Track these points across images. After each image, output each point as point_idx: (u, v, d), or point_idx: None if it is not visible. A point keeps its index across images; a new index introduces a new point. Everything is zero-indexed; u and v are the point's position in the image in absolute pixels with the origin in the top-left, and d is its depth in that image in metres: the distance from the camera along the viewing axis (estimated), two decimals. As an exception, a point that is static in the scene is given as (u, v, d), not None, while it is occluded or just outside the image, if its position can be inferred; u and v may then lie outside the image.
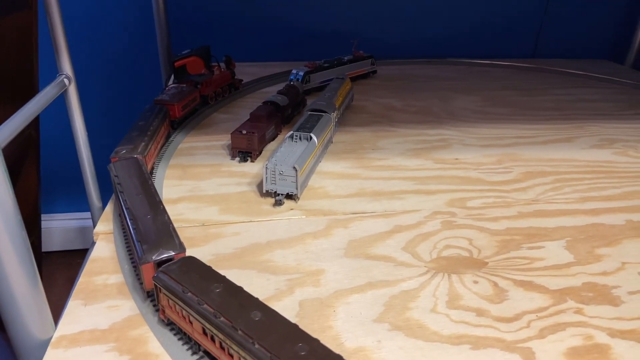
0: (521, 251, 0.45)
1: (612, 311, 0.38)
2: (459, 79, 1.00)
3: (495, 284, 0.40)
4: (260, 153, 0.63)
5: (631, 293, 0.40)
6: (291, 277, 0.41)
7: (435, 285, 0.40)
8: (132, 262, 0.41)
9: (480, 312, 0.37)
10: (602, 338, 0.35)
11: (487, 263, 0.43)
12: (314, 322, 0.36)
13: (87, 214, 1.19)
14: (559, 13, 1.16)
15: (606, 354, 0.34)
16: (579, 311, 0.38)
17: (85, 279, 0.40)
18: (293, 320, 0.36)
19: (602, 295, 0.40)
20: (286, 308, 0.37)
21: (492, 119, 0.78)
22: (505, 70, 1.07)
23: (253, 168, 0.59)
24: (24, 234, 0.32)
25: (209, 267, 0.34)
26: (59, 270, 1.14)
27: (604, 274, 0.42)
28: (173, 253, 0.35)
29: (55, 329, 0.35)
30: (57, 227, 1.17)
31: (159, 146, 0.59)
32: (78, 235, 1.19)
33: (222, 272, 0.40)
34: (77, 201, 1.17)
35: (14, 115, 0.35)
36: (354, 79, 0.94)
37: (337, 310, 0.37)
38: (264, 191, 0.52)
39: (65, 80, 0.45)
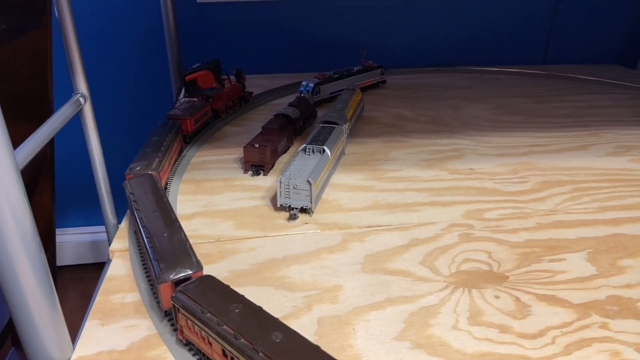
0: (542, 264, 0.44)
1: (638, 325, 0.37)
2: (469, 87, 0.99)
3: (518, 299, 0.40)
4: (272, 166, 0.62)
5: (658, 306, 0.39)
6: (309, 294, 0.40)
7: (456, 301, 0.39)
8: (149, 281, 0.41)
9: (503, 329, 0.37)
10: (629, 354, 0.34)
11: (507, 277, 0.42)
12: (334, 341, 0.35)
13: (99, 228, 1.19)
14: (569, 18, 1.16)
15: (636, 372, 0.33)
16: (604, 326, 0.37)
17: (102, 297, 0.40)
18: (312, 338, 0.36)
19: (628, 308, 0.39)
20: (304, 326, 0.37)
21: (506, 127, 0.77)
22: (516, 77, 1.06)
23: (266, 182, 0.59)
24: (42, 254, 0.32)
25: (227, 286, 0.33)
26: (72, 285, 1.15)
27: (628, 286, 0.41)
28: (190, 272, 0.35)
29: (73, 349, 0.35)
30: (69, 242, 1.17)
31: (172, 161, 0.59)
32: (90, 250, 1.19)
33: (239, 289, 0.40)
34: (89, 215, 1.17)
35: (31, 136, 0.35)
36: (363, 89, 0.94)
37: (356, 328, 0.37)
38: (278, 205, 0.52)
39: (81, 99, 0.45)
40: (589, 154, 0.67)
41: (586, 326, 0.37)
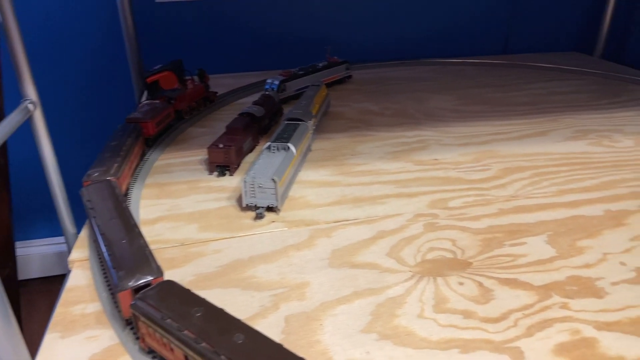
0: (504, 249, 0.45)
1: (597, 303, 0.38)
2: (433, 79, 1.01)
3: (481, 284, 0.40)
4: (238, 166, 0.62)
5: (614, 284, 0.40)
6: (276, 292, 0.40)
7: (422, 290, 0.40)
8: (110, 290, 0.40)
9: (467, 314, 0.37)
10: (589, 332, 0.35)
11: (471, 263, 0.43)
12: (301, 338, 0.35)
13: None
14: (527, 7, 1.18)
15: (594, 348, 0.34)
16: (564, 306, 0.38)
17: (62, 309, 0.39)
18: (279, 337, 0.35)
19: (587, 288, 0.40)
20: (272, 325, 0.36)
21: (468, 117, 0.78)
22: (478, 68, 1.08)
23: (232, 182, 0.58)
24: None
25: (188, 290, 0.33)
26: (40, 298, 1.11)
27: (587, 266, 0.43)
28: (150, 278, 0.34)
29: (32, 365, 0.34)
30: (35, 254, 1.14)
31: (133, 166, 0.57)
32: (57, 261, 1.16)
33: (204, 292, 0.40)
34: (54, 226, 1.14)
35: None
36: (329, 85, 0.94)
37: (324, 324, 0.36)
38: (244, 205, 0.51)
39: (30, 106, 0.43)
40: (548, 140, 0.69)
41: (547, 307, 0.38)
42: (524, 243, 0.46)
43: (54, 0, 0.96)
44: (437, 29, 1.16)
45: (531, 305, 0.38)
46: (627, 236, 0.47)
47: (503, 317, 0.37)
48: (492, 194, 0.54)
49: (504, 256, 0.44)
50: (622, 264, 0.43)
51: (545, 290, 0.40)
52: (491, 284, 0.40)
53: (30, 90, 0.45)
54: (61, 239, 1.15)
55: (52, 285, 1.16)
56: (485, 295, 0.39)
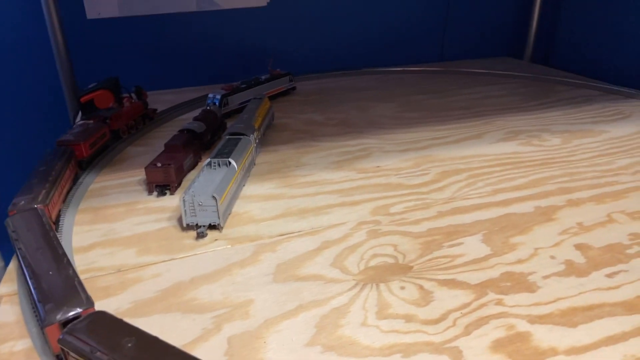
0: (442, 250, 0.46)
1: (529, 298, 0.40)
2: (375, 87, 1.03)
3: (421, 287, 0.41)
4: (179, 185, 0.60)
5: (545, 277, 0.43)
6: (218, 313, 0.39)
7: (365, 298, 0.40)
8: (39, 324, 0.37)
9: (408, 318, 0.38)
10: (522, 326, 0.37)
11: (412, 267, 0.44)
12: (244, 358, 0.35)
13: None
14: (460, 15, 1.24)
15: (528, 341, 0.36)
16: (499, 302, 0.40)
17: (-14, 351, 0.36)
18: (222, 359, 0.34)
19: (519, 283, 0.42)
20: (214, 348, 0.36)
21: (408, 124, 0.80)
22: (417, 76, 1.12)
23: (173, 201, 0.57)
24: None
25: (120, 320, 0.31)
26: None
27: (519, 261, 0.45)
28: (80, 310, 0.32)
29: (-51, 416, 0.31)
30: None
31: (64, 191, 0.55)
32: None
33: (142, 319, 0.38)
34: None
35: None
36: (273, 97, 0.94)
37: (267, 341, 0.36)
38: (185, 225, 0.50)
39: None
40: (482, 142, 0.72)
41: (483, 304, 0.39)
42: (461, 243, 0.47)
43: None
44: (378, 39, 1.19)
45: (468, 304, 0.39)
46: (557, 230, 0.50)
47: (442, 317, 0.38)
48: (431, 197, 0.56)
49: (443, 257, 0.45)
50: (552, 257, 0.45)
51: (482, 288, 0.41)
52: (431, 286, 0.41)
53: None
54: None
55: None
56: (426, 298, 0.40)
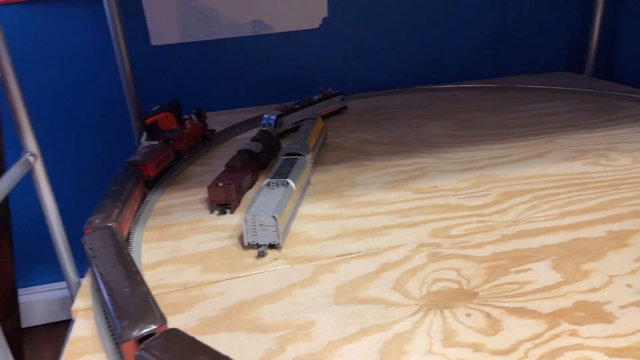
0: (509, 276, 0.45)
1: (606, 329, 0.38)
2: (428, 105, 1.02)
3: (489, 315, 0.40)
4: (239, 204, 0.62)
5: (622, 307, 0.40)
6: (281, 334, 0.39)
7: (429, 324, 0.39)
8: (114, 340, 0.39)
9: (476, 347, 0.37)
10: (600, 359, 0.35)
11: (477, 293, 0.43)
12: (309, 381, 0.35)
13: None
14: (516, 29, 1.21)
15: (607, 376, 0.33)
16: (574, 333, 0.37)
17: (66, 363, 0.38)
18: (286, 382, 0.35)
19: (595, 313, 0.39)
20: (279, 369, 0.36)
21: (465, 142, 0.79)
22: (471, 92, 1.09)
23: (233, 220, 0.58)
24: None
25: (193, 338, 0.32)
26: (44, 345, 1.09)
27: (593, 290, 0.42)
28: (154, 327, 0.34)
29: None
30: (39, 300, 1.12)
31: (134, 209, 0.58)
32: (61, 307, 1.15)
33: (209, 337, 0.39)
34: (55, 271, 1.13)
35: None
36: (325, 117, 0.95)
37: (331, 365, 0.36)
38: (246, 244, 0.51)
39: (31, 158, 0.44)
40: (545, 161, 0.69)
41: (557, 335, 0.37)
42: (529, 269, 0.45)
43: (49, 48, 0.99)
44: (430, 57, 1.19)
45: (541, 335, 0.37)
46: (632, 257, 0.47)
47: (513, 348, 0.36)
48: (493, 219, 0.54)
49: (510, 284, 0.44)
50: (629, 286, 0.43)
51: (554, 317, 0.39)
52: (499, 313, 0.40)
53: (30, 142, 0.45)
54: (63, 284, 1.14)
55: (56, 331, 1.14)
56: (494, 326, 0.39)
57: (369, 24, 1.12)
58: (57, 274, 1.13)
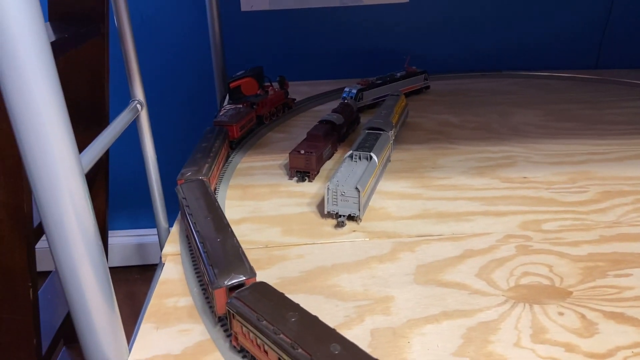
0: (608, 279, 0.41)
1: None
2: (517, 92, 0.96)
3: (583, 316, 0.37)
4: (318, 173, 0.62)
5: None
6: (360, 304, 0.39)
7: (517, 317, 0.37)
8: (202, 285, 0.41)
9: (569, 348, 0.34)
10: None
11: (571, 292, 0.40)
12: (389, 354, 0.34)
13: (145, 231, 1.22)
14: (623, 21, 1.10)
15: None
16: (683, 349, 0.34)
17: (156, 301, 0.40)
18: (366, 351, 0.35)
19: None
20: (357, 337, 0.36)
21: (559, 134, 0.73)
22: (567, 82, 1.02)
23: (312, 188, 0.59)
24: (103, 257, 0.32)
25: (282, 294, 0.33)
26: (117, 286, 1.18)
27: None
28: (244, 278, 0.35)
29: (129, 353, 0.35)
30: (117, 244, 1.21)
31: (220, 167, 0.59)
32: (136, 252, 1.23)
33: (290, 297, 0.40)
34: (136, 218, 1.21)
35: (94, 142, 0.36)
36: (407, 95, 0.92)
37: (411, 342, 0.35)
38: (325, 212, 0.51)
39: (138, 106, 0.46)
40: (652, 163, 0.63)
41: (662, 348, 0.34)
42: (630, 275, 0.42)
43: (149, 5, 1.03)
44: (522, 41, 1.11)
45: (643, 345, 0.34)
46: None
47: (609, 353, 0.34)
48: (591, 218, 0.50)
49: (608, 287, 0.40)
50: None
51: (660, 329, 0.36)
52: (595, 316, 0.37)
53: (139, 91, 0.48)
54: (140, 231, 1.22)
55: (128, 274, 1.23)
56: (589, 329, 0.36)
57: (460, 1, 1.07)
58: (136, 221, 1.21)
